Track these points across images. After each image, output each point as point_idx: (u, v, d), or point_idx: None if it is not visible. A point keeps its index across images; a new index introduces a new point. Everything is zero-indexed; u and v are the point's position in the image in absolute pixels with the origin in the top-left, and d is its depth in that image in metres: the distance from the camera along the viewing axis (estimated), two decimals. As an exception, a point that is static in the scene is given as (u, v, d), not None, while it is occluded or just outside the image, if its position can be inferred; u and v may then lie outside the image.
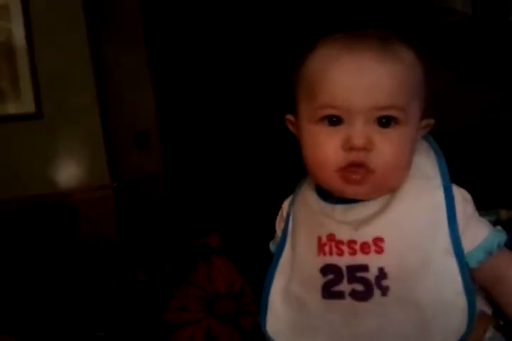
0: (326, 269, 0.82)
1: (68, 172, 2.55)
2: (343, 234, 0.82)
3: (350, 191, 0.81)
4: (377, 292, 0.79)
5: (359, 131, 0.78)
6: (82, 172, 2.58)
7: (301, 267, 0.86)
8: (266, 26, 3.20)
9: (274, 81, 3.17)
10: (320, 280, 0.82)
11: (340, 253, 0.81)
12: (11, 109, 2.53)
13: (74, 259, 2.16)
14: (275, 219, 0.96)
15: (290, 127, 0.90)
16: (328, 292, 0.82)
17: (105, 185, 2.58)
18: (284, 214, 0.94)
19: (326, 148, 0.80)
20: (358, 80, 0.78)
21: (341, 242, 0.82)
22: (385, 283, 0.78)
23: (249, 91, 3.14)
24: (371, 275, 0.79)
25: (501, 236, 0.82)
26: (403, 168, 0.81)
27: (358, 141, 0.77)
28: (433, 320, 0.76)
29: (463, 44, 3.23)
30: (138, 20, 3.02)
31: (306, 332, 0.85)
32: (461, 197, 0.82)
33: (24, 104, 2.54)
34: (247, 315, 1.53)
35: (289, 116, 0.89)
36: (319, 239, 0.84)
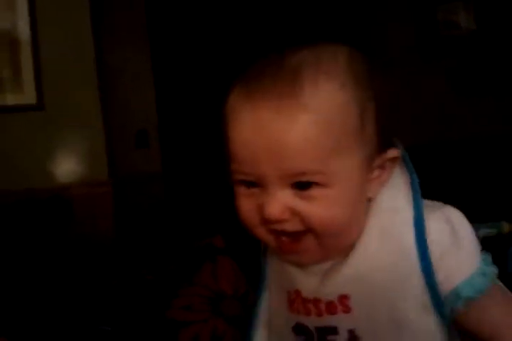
0: (297, 329, 0.74)
1: (66, 167, 2.52)
2: (308, 290, 0.72)
3: (291, 259, 0.72)
4: None
5: (272, 200, 0.65)
6: (80, 167, 2.54)
7: (276, 323, 0.78)
8: (265, 26, 3.19)
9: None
10: (293, 339, 0.74)
11: (308, 313, 0.72)
12: (12, 99, 2.49)
13: (68, 254, 2.13)
14: None
15: None
16: None
17: (103, 182, 2.54)
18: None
19: (247, 214, 0.69)
20: (259, 141, 0.64)
21: (307, 300, 0.72)
22: None
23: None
24: (341, 338, 0.70)
25: (486, 276, 0.67)
26: (342, 228, 0.67)
27: (271, 213, 0.65)
28: None
29: (465, 58, 3.24)
30: (142, 18, 3.00)
31: None
32: (440, 224, 0.68)
33: (26, 95, 2.50)
34: (252, 317, 1.50)
35: None
36: (289, 293, 0.75)
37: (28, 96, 2.50)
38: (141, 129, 2.90)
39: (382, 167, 0.70)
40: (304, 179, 0.65)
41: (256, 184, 0.67)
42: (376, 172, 0.70)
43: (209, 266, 1.58)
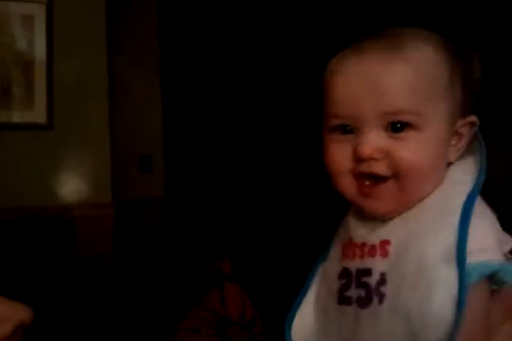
0: (341, 274, 0.80)
1: (71, 187, 2.51)
2: (358, 237, 0.79)
3: (367, 205, 0.77)
4: (375, 299, 0.74)
5: (366, 140, 0.73)
6: (85, 188, 2.53)
7: (328, 273, 0.84)
8: (270, 48, 3.24)
9: (281, 105, 3.21)
10: (336, 284, 0.80)
11: (353, 257, 0.78)
12: (23, 117, 2.50)
13: (69, 273, 2.11)
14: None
15: None
16: (341, 297, 0.79)
17: (106, 204, 2.54)
18: None
19: (337, 159, 0.77)
20: (361, 84, 0.73)
21: (356, 245, 0.79)
22: (383, 289, 0.73)
23: (255, 117, 3.16)
24: (373, 280, 0.74)
25: (486, 269, 0.69)
26: (426, 175, 0.74)
27: (364, 151, 0.73)
28: (421, 332, 0.69)
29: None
30: (155, 45, 3.04)
31: (326, 339, 0.82)
32: (486, 209, 0.74)
33: (36, 113, 2.51)
34: (258, 344, 1.48)
35: None
36: (343, 242, 0.82)
37: (38, 115, 2.51)
38: (146, 154, 2.91)
39: (459, 134, 0.78)
40: (399, 118, 0.73)
41: (351, 130, 0.75)
42: (454, 139, 0.78)
43: (217, 291, 1.58)
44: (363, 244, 0.77)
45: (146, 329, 1.46)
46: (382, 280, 0.73)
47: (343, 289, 0.79)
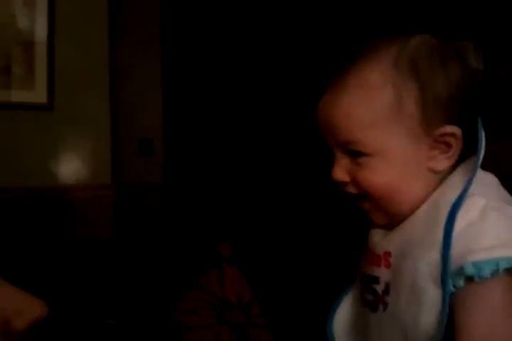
0: (361, 276, 0.85)
1: (71, 168, 2.50)
2: (371, 244, 0.84)
3: (369, 217, 0.83)
4: (380, 306, 0.78)
5: (336, 165, 0.80)
6: (84, 170, 2.52)
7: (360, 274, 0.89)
8: (275, 42, 3.23)
9: (282, 93, 3.20)
10: (359, 286, 0.86)
11: (367, 262, 0.83)
12: (23, 97, 2.48)
13: (68, 254, 2.10)
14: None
15: None
16: (361, 299, 0.84)
17: (106, 186, 2.52)
18: None
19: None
20: (322, 118, 0.80)
21: (369, 252, 0.83)
22: (386, 298, 0.77)
23: (257, 103, 3.15)
24: (379, 288, 0.79)
25: (498, 266, 0.68)
26: (389, 195, 0.77)
27: (334, 176, 0.80)
28: None
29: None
30: (156, 29, 3.02)
31: (354, 335, 0.87)
32: (478, 201, 0.72)
33: (37, 94, 2.49)
34: (256, 327, 1.49)
35: None
36: (367, 248, 0.86)
37: (38, 94, 2.50)
38: (146, 138, 2.89)
39: (445, 143, 0.77)
40: (351, 148, 0.78)
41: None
42: (438, 149, 0.78)
43: (215, 272, 1.57)
44: (373, 252, 0.82)
45: (148, 307, 1.46)
46: (386, 289, 0.78)
47: (361, 292, 0.84)
